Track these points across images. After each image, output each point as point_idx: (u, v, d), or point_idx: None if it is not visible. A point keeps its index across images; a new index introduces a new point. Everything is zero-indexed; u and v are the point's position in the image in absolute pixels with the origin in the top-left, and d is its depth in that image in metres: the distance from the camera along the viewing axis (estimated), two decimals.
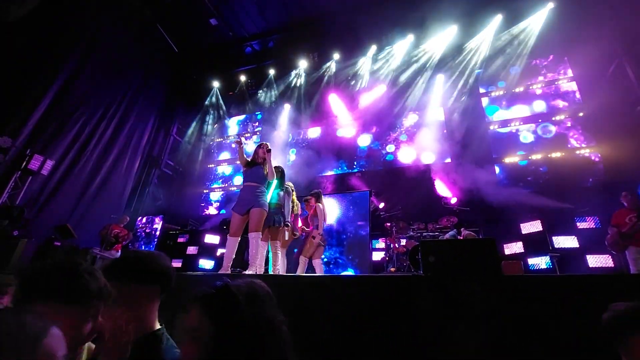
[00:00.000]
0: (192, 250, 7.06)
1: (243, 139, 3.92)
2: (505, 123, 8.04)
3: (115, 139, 8.73)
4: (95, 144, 8.13)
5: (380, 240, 7.02)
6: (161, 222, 9.06)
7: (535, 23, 7.94)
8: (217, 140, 11.45)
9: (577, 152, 7.14)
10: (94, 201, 8.05)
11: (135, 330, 1.11)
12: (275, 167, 3.99)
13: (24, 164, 6.40)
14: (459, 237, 5.37)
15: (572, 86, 7.70)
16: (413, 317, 2.22)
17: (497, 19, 8.14)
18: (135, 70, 9.31)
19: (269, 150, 3.88)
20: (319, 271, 4.49)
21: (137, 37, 9.26)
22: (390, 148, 8.94)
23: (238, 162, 4.40)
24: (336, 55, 9.65)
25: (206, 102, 11.28)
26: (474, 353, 2.00)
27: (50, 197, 7.17)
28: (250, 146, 10.46)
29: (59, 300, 0.88)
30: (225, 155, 11.11)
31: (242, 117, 11.48)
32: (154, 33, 9.69)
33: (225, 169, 10.80)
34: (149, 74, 9.83)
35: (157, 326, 1.21)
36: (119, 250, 6.52)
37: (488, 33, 8.34)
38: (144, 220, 9.38)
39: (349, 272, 6.64)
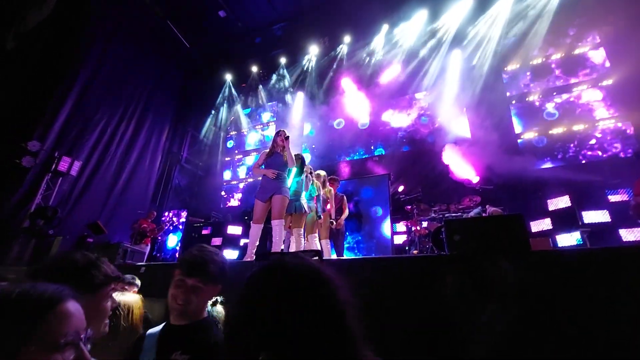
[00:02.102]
0: (216, 241, 7.26)
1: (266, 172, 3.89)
2: (528, 96, 7.67)
3: (136, 137, 8.99)
4: (117, 143, 8.41)
5: (401, 223, 6.97)
6: (186, 215, 9.33)
7: None
8: (233, 133, 11.57)
9: (607, 122, 6.76)
10: (121, 198, 8.37)
11: (193, 315, 1.29)
12: (295, 155, 3.98)
13: (54, 166, 6.70)
14: (484, 214, 5.25)
15: (600, 53, 7.22)
16: (440, 298, 2.20)
17: None
18: (149, 69, 9.48)
19: (286, 138, 3.88)
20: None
21: (149, 36, 9.37)
22: (407, 129, 8.76)
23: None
24: (347, 38, 9.46)
25: (220, 95, 11.38)
26: (505, 331, 1.97)
27: (80, 196, 7.51)
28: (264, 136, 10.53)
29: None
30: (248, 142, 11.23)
31: (256, 107, 11.51)
32: (165, 30, 9.77)
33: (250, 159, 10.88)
34: (163, 71, 9.98)
35: (206, 313, 1.39)
36: (148, 244, 6.80)
37: (506, 1, 7.91)
38: (170, 214, 9.69)
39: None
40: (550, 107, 7.39)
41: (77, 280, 0.97)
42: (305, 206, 4.04)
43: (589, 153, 6.73)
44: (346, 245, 7.04)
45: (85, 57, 7.68)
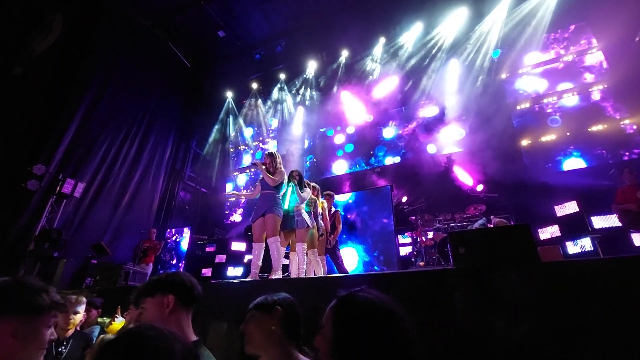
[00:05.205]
0: (220, 258, 7.18)
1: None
2: (527, 102, 7.65)
3: (139, 157, 9.05)
4: (120, 163, 8.47)
5: (406, 234, 6.87)
6: (189, 233, 9.30)
7: None
8: (234, 149, 11.64)
9: (610, 124, 6.69)
10: (125, 218, 8.37)
11: None
12: (292, 171, 4.10)
13: (58, 188, 6.74)
14: (489, 225, 5.15)
15: (598, 56, 7.22)
16: (447, 314, 2.13)
17: None
18: (152, 89, 9.63)
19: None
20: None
21: (151, 57, 9.57)
22: (407, 139, 8.74)
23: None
24: (345, 52, 9.58)
25: (221, 113, 11.52)
26: (517, 348, 1.89)
27: (85, 218, 7.53)
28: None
29: (17, 313, 0.98)
30: (245, 161, 11.28)
31: (256, 123, 11.59)
32: (166, 51, 9.99)
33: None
34: (165, 91, 10.13)
35: (193, 338, 1.31)
36: (149, 264, 6.77)
37: (501, 9, 7.99)
38: (174, 231, 9.67)
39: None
40: (550, 111, 7.35)
41: (22, 301, 0.99)
42: (308, 221, 3.99)
43: (594, 156, 6.64)
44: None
45: (90, 81, 7.84)
